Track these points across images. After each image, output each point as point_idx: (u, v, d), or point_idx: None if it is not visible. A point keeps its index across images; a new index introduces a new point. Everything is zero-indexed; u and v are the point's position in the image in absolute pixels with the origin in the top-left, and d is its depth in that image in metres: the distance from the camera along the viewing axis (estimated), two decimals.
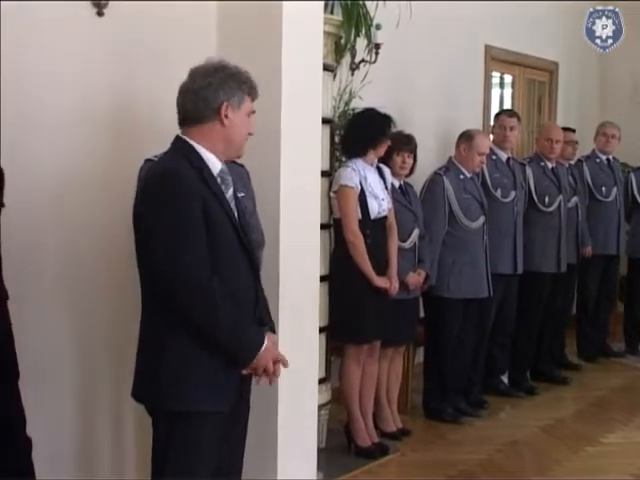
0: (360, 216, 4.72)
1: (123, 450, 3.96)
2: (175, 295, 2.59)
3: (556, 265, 6.34)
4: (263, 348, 2.72)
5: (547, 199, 6.28)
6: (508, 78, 7.95)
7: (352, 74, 5.48)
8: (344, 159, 5.02)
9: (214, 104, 2.73)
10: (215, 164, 2.76)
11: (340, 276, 4.78)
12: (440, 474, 4.68)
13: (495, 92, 7.83)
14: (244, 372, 2.74)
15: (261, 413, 3.70)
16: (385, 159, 4.98)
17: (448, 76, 6.80)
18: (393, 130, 4.94)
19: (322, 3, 4.15)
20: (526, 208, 6.17)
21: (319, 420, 4.46)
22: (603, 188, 7.15)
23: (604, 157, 7.25)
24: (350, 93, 5.37)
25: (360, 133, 4.83)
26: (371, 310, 4.73)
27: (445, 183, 5.45)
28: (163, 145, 2.85)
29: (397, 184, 5.12)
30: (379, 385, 5.14)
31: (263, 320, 2.90)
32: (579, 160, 7.21)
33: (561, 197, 6.34)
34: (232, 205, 2.81)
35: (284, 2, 3.79)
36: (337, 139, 5.09)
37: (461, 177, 5.53)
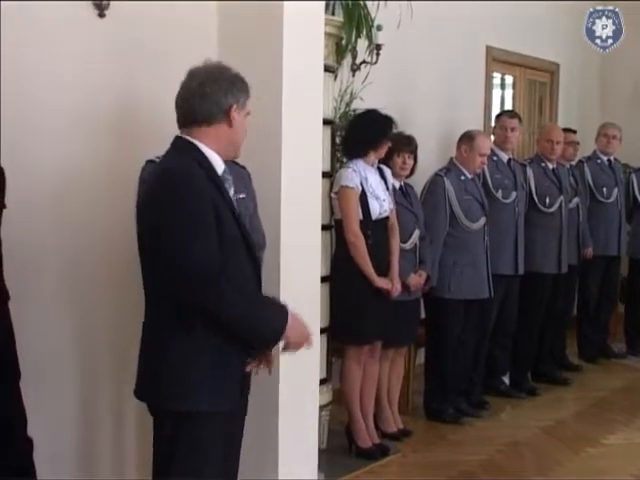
0: (361, 217, 4.72)
1: (124, 450, 3.97)
2: (191, 293, 2.58)
3: (557, 266, 6.34)
4: (289, 321, 2.71)
5: (548, 200, 6.28)
6: (509, 79, 7.96)
7: (353, 75, 5.48)
8: (345, 160, 5.02)
9: (225, 106, 2.75)
10: (219, 165, 2.78)
11: (341, 277, 4.78)
12: (441, 475, 4.68)
13: (496, 93, 7.83)
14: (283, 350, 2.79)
15: (262, 414, 3.71)
16: (385, 160, 4.98)
17: (449, 77, 6.80)
18: (394, 131, 4.94)
19: (323, 4, 4.15)
20: (527, 209, 6.16)
21: (320, 421, 4.47)
22: (604, 189, 7.15)
23: (605, 158, 7.25)
24: (351, 94, 5.38)
25: (361, 134, 4.83)
26: (372, 311, 4.73)
27: (446, 184, 5.44)
28: (164, 145, 2.84)
29: (397, 185, 5.12)
30: (380, 386, 5.14)
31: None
32: (580, 161, 7.21)
33: (562, 198, 6.34)
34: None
35: (285, 2, 3.79)
36: (338, 140, 5.09)
37: (462, 178, 5.53)
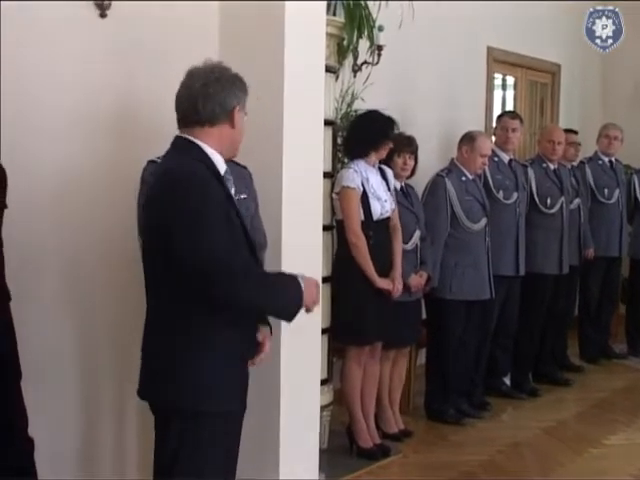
0: (362, 217, 4.72)
1: (125, 450, 3.97)
2: (220, 287, 2.58)
3: (558, 267, 6.34)
4: (304, 286, 2.78)
5: (549, 201, 6.28)
6: (510, 80, 7.95)
7: (354, 75, 5.48)
8: (346, 161, 5.02)
9: (228, 107, 2.76)
10: (221, 165, 2.78)
11: (342, 277, 4.78)
12: (442, 475, 4.67)
13: (497, 94, 7.82)
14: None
15: (263, 414, 3.72)
16: (386, 161, 4.98)
17: (450, 78, 6.80)
18: (396, 132, 4.94)
19: (324, 4, 4.15)
20: (528, 210, 6.16)
21: (321, 421, 4.46)
22: (605, 190, 7.14)
23: (606, 159, 7.24)
24: (352, 95, 5.38)
25: (362, 135, 4.83)
26: (372, 311, 4.72)
27: (447, 185, 5.44)
28: (164, 145, 2.84)
29: (398, 186, 5.11)
30: (381, 386, 5.13)
31: (267, 319, 2.98)
32: (581, 162, 7.21)
33: (563, 199, 6.33)
34: None
35: (286, 3, 3.79)
36: (339, 140, 5.09)
37: (463, 179, 5.53)
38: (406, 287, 4.97)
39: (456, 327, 5.49)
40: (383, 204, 4.78)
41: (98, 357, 3.81)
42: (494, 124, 6.68)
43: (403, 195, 5.15)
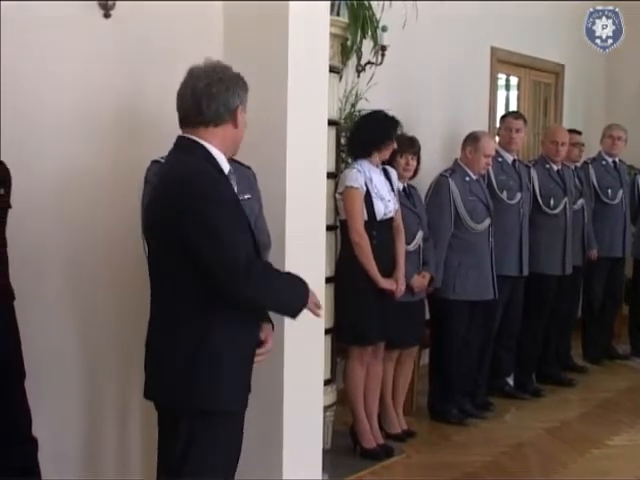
0: (366, 217, 4.72)
1: (128, 450, 3.97)
2: (243, 287, 2.61)
3: (562, 267, 6.33)
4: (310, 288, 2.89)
5: (552, 201, 6.27)
6: (514, 80, 7.95)
7: (358, 76, 5.49)
8: (350, 161, 5.02)
9: (232, 107, 2.77)
10: (225, 165, 2.79)
11: (345, 277, 4.77)
12: (445, 476, 4.67)
13: (501, 94, 7.82)
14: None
15: (267, 414, 3.72)
16: (389, 161, 4.97)
17: (454, 78, 6.80)
18: (399, 133, 4.94)
19: (328, 4, 4.15)
20: (531, 210, 6.16)
21: (324, 421, 4.47)
22: (609, 190, 7.13)
23: (610, 159, 7.23)
24: (356, 95, 5.38)
25: (366, 135, 4.83)
26: (375, 312, 4.72)
27: (451, 185, 5.44)
28: (166, 145, 2.85)
29: (401, 187, 5.11)
30: (384, 387, 5.13)
31: (270, 318, 2.99)
32: (585, 162, 7.20)
33: (566, 199, 6.33)
34: None
35: (290, 3, 3.79)
36: (343, 141, 5.09)
37: (467, 179, 5.53)
38: (409, 288, 4.97)
39: (459, 327, 5.49)
40: (386, 204, 4.78)
41: (101, 357, 3.81)
42: (498, 124, 6.68)
43: (405, 196, 5.15)
